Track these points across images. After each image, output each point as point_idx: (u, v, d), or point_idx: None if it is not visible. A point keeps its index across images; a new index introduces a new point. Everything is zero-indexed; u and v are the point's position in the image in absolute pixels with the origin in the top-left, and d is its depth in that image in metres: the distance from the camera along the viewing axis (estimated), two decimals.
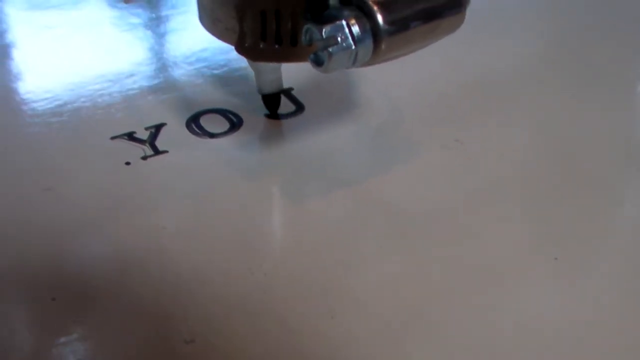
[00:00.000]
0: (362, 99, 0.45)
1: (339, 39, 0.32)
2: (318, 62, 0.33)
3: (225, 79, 0.46)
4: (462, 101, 0.46)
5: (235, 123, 0.43)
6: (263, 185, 0.40)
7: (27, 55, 0.49)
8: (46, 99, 0.44)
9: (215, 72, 0.47)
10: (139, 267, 0.35)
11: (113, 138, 0.42)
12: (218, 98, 0.45)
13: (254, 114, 0.43)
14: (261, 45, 0.36)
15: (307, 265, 0.35)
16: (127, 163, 0.40)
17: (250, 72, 0.44)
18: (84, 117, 0.43)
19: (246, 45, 0.36)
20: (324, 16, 0.33)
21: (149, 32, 0.51)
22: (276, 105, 0.43)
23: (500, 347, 0.32)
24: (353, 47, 0.32)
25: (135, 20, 0.52)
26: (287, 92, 0.45)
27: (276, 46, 0.36)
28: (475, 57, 0.49)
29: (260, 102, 0.43)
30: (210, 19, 0.37)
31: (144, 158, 0.40)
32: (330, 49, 0.32)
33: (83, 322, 0.33)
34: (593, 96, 0.47)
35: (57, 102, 0.44)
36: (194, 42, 0.49)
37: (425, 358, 0.32)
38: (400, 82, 0.46)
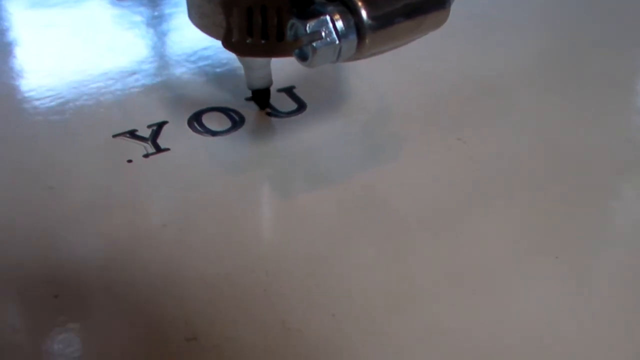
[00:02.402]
0: (366, 96, 0.45)
1: (323, 34, 0.32)
2: (303, 57, 0.33)
3: (227, 77, 0.46)
4: (458, 100, 0.46)
5: (237, 121, 0.43)
6: (264, 183, 0.40)
7: (30, 53, 0.49)
8: (48, 96, 0.44)
9: (218, 70, 0.47)
10: (140, 264, 0.35)
11: (115, 136, 0.42)
12: (220, 96, 0.45)
13: (256, 113, 0.44)
14: (248, 41, 0.36)
15: (307, 262, 0.35)
16: (129, 160, 0.40)
17: None
18: (86, 115, 0.43)
19: (233, 40, 0.36)
20: (308, 11, 0.33)
21: (151, 31, 0.51)
22: (266, 100, 0.43)
23: (494, 345, 0.32)
24: (337, 42, 0.32)
25: (137, 18, 0.52)
26: (289, 91, 0.45)
27: (262, 41, 0.36)
28: (476, 56, 0.49)
29: None
30: (198, 14, 0.38)
31: (146, 156, 0.40)
32: (314, 44, 0.32)
33: (84, 319, 0.33)
34: (590, 95, 0.47)
35: (59, 100, 0.44)
36: (196, 40, 0.49)
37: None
38: (397, 80, 0.46)
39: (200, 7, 0.37)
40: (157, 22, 0.52)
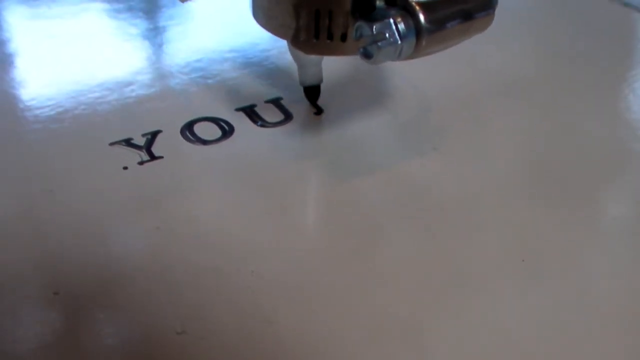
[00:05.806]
0: (352, 107, 0.48)
1: (387, 35, 0.36)
2: (367, 55, 0.36)
3: (218, 88, 0.48)
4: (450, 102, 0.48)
5: (227, 131, 0.45)
6: (251, 188, 0.42)
7: (30, 63, 0.51)
8: (48, 106, 0.46)
9: (209, 81, 0.49)
10: (133, 264, 0.37)
11: (111, 144, 0.44)
12: (211, 106, 0.47)
13: (245, 123, 0.46)
14: (314, 40, 0.39)
15: (289, 260, 0.38)
16: (125, 168, 0.42)
17: (242, 82, 0.47)
18: (83, 123, 0.45)
19: (301, 40, 0.40)
20: (373, 15, 0.37)
21: (146, 43, 0.53)
22: (316, 96, 0.47)
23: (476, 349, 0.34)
24: (399, 42, 0.36)
25: (133, 30, 0.54)
26: (277, 102, 0.47)
27: (328, 41, 0.39)
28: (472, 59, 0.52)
29: (250, 112, 0.46)
30: (266, 16, 0.41)
31: (141, 163, 0.43)
32: (379, 43, 0.36)
33: (82, 315, 0.35)
34: (578, 106, 0.49)
35: (58, 110, 0.46)
36: (190, 52, 0.52)
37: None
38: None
39: (268, 9, 0.40)
40: (152, 34, 0.54)
